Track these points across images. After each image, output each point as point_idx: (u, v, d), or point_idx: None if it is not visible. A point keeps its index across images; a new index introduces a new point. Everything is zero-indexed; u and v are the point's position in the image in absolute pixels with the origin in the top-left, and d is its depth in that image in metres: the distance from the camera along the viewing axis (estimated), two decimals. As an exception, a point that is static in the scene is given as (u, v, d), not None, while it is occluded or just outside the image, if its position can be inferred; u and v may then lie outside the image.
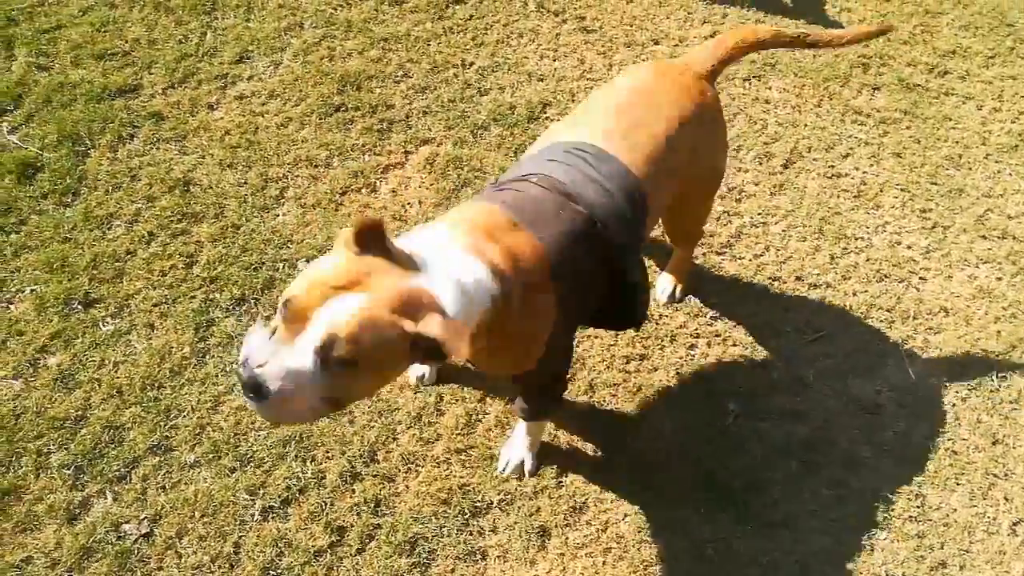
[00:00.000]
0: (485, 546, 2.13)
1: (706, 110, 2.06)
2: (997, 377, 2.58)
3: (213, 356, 2.39)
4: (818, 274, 2.77)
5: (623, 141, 1.89)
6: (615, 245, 1.80)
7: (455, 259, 1.51)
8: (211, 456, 2.20)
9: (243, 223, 2.70)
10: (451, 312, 1.43)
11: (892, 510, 2.29)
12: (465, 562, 2.10)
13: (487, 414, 2.36)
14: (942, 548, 2.23)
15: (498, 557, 2.12)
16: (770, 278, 2.74)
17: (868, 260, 2.83)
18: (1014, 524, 2.30)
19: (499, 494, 2.21)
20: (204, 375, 2.35)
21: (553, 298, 1.69)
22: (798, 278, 2.75)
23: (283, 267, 2.60)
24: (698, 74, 2.10)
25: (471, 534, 2.15)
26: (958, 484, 2.36)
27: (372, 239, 1.40)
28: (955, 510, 2.31)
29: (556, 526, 2.18)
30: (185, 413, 2.28)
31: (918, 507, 2.30)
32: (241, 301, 2.51)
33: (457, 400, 2.37)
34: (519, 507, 2.20)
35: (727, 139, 2.29)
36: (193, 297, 2.51)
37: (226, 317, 2.47)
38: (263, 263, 2.61)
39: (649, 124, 1.94)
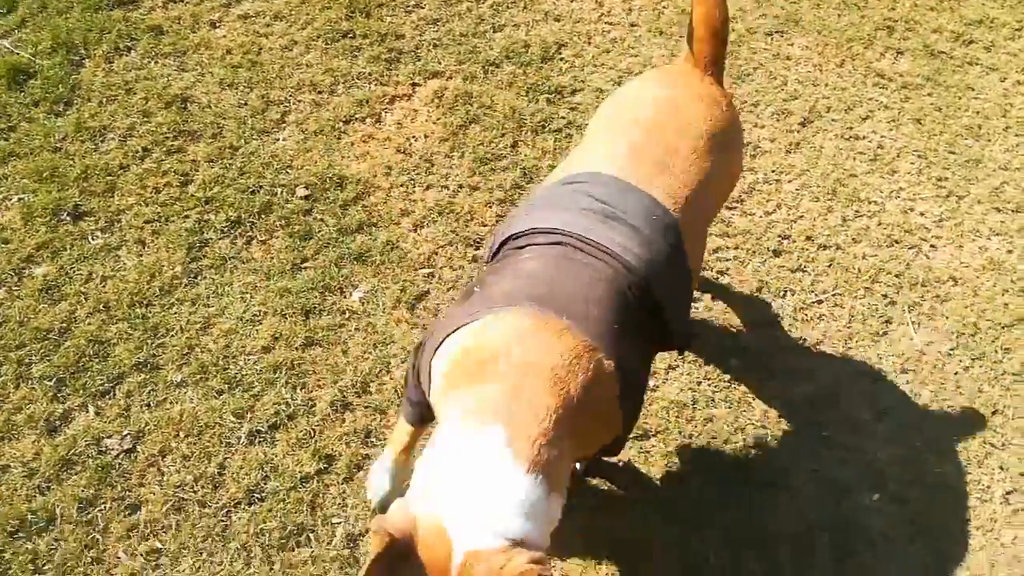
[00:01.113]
0: (475, 484, 2.09)
1: (733, 123, 1.81)
2: (1001, 349, 2.54)
3: (205, 277, 2.32)
4: (828, 235, 2.71)
5: (651, 169, 1.62)
6: (657, 298, 1.56)
7: (508, 483, 1.29)
8: (198, 377, 2.14)
9: (241, 145, 2.61)
10: (522, 535, 1.24)
11: (889, 474, 2.26)
12: (454, 498, 2.06)
13: (484, 353, 2.30)
14: (936, 513, 2.21)
15: (488, 495, 2.08)
16: (780, 236, 2.68)
17: (880, 224, 2.77)
18: (1007, 493, 2.27)
19: (492, 433, 2.16)
20: (195, 295, 2.28)
21: (616, 387, 1.47)
22: (808, 238, 2.69)
23: (281, 192, 2.52)
24: (716, 78, 1.83)
25: (461, 471, 2.10)
26: (955, 452, 2.33)
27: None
28: (951, 477, 2.28)
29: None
30: (173, 332, 2.21)
31: (915, 472, 2.27)
32: (236, 223, 2.43)
33: (454, 337, 2.31)
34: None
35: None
36: (187, 216, 2.43)
37: (220, 239, 2.40)
38: (261, 187, 2.52)
39: (682, 149, 1.67)
